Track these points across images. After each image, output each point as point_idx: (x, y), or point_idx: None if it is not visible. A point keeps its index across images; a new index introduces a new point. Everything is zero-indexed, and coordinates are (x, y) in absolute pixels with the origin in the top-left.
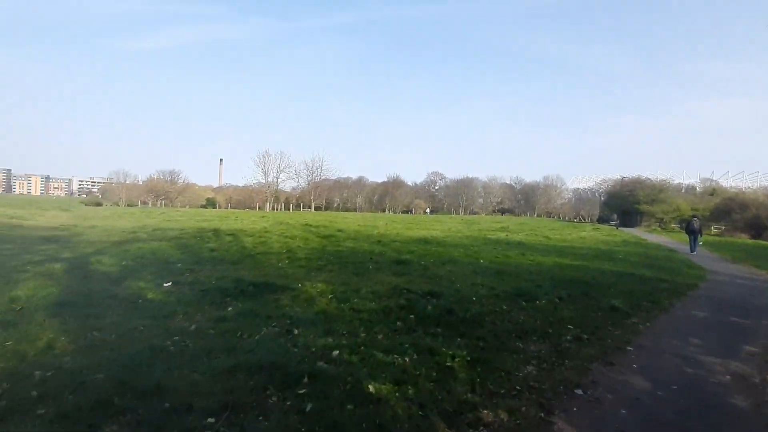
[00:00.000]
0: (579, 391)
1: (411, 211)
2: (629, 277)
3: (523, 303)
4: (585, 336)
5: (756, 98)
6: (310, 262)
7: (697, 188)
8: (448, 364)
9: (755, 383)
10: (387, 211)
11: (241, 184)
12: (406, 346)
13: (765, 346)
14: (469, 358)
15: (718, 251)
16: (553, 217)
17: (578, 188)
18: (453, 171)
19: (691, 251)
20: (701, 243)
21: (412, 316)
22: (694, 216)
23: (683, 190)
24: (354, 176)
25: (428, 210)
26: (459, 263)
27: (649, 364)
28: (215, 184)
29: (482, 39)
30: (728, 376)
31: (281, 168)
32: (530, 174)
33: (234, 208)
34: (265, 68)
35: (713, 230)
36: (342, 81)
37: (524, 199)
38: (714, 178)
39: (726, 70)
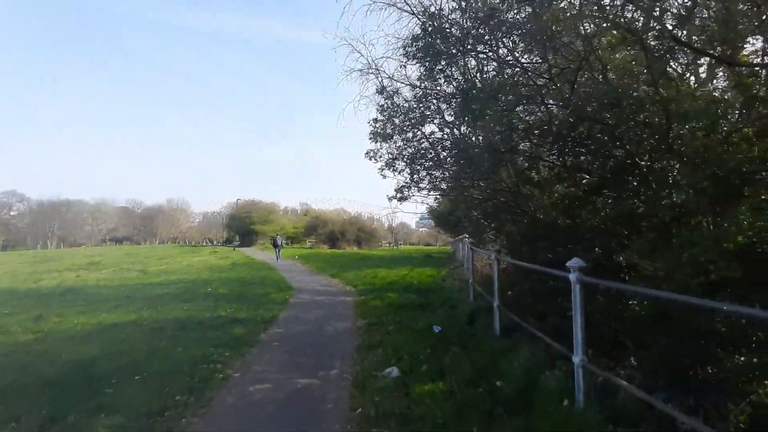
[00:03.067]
0: None
1: None
2: (193, 330)
3: None
4: None
5: (340, 145)
6: None
7: (299, 210)
8: None
9: None
10: None
11: None
12: None
13: None
14: None
15: (308, 263)
16: (179, 243)
17: (207, 212)
18: (44, 191)
19: (277, 260)
20: (296, 257)
21: None
22: (277, 235)
23: (289, 213)
24: None
25: None
26: None
27: None
28: None
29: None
30: None
31: None
32: (152, 197)
33: None
34: None
35: (308, 243)
36: None
37: (144, 225)
38: (308, 203)
39: (322, 123)
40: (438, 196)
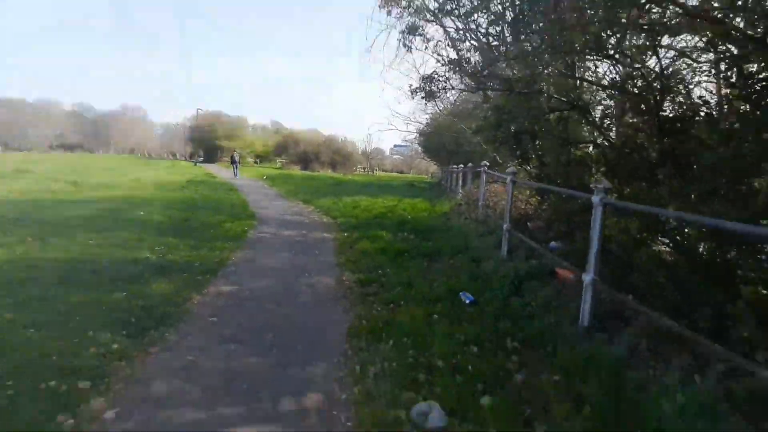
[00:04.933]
0: None
1: None
2: (83, 286)
3: None
4: None
5: (303, 61)
6: None
7: (269, 128)
8: None
9: None
10: None
11: None
12: None
13: None
14: None
15: (277, 185)
16: (138, 154)
17: (170, 123)
18: None
19: (235, 176)
20: (264, 177)
21: None
22: (235, 150)
23: (259, 131)
24: None
25: None
26: None
27: None
28: None
29: None
30: None
31: None
32: (102, 102)
33: None
34: None
35: (278, 163)
36: None
37: (97, 133)
38: (280, 120)
39: (287, 35)
40: (489, 90)
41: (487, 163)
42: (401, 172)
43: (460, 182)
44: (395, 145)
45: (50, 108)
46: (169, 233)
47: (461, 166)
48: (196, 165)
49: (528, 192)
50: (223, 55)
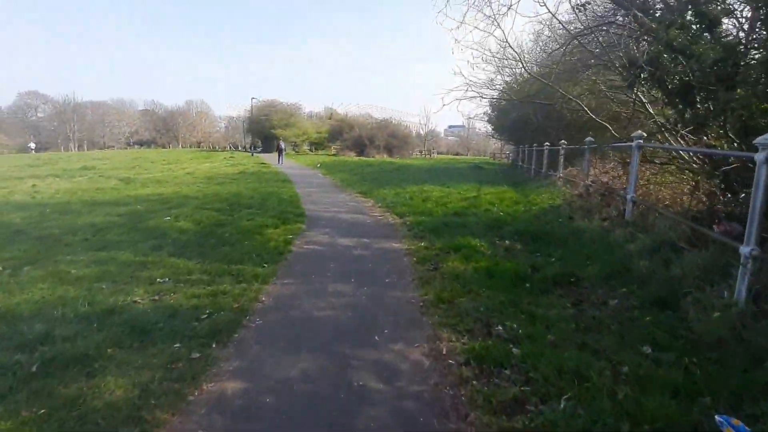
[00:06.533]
0: None
1: None
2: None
3: None
4: None
5: (354, 44)
6: None
7: (322, 114)
8: None
9: None
10: None
11: None
12: None
13: None
14: None
15: (332, 173)
16: (203, 147)
17: (232, 116)
18: (60, 91)
19: (279, 163)
20: (318, 164)
21: None
22: (281, 139)
23: (313, 117)
24: None
25: None
26: None
27: None
28: None
29: None
30: None
31: None
32: (170, 99)
33: None
34: None
35: (333, 149)
36: None
37: (166, 128)
38: (332, 106)
39: (333, 20)
40: None
41: (643, 134)
42: (457, 154)
43: (561, 164)
44: (450, 126)
45: (125, 107)
46: (188, 249)
47: (564, 142)
48: (252, 155)
49: (685, 175)
50: (275, 45)
